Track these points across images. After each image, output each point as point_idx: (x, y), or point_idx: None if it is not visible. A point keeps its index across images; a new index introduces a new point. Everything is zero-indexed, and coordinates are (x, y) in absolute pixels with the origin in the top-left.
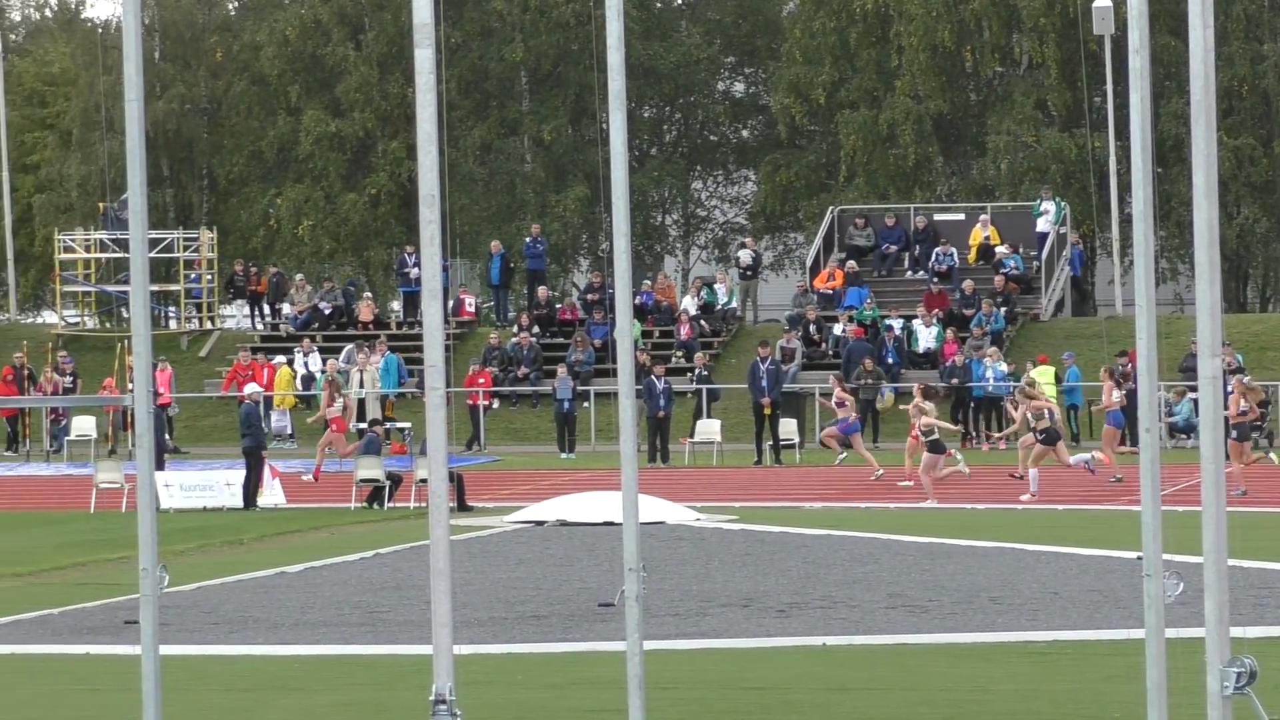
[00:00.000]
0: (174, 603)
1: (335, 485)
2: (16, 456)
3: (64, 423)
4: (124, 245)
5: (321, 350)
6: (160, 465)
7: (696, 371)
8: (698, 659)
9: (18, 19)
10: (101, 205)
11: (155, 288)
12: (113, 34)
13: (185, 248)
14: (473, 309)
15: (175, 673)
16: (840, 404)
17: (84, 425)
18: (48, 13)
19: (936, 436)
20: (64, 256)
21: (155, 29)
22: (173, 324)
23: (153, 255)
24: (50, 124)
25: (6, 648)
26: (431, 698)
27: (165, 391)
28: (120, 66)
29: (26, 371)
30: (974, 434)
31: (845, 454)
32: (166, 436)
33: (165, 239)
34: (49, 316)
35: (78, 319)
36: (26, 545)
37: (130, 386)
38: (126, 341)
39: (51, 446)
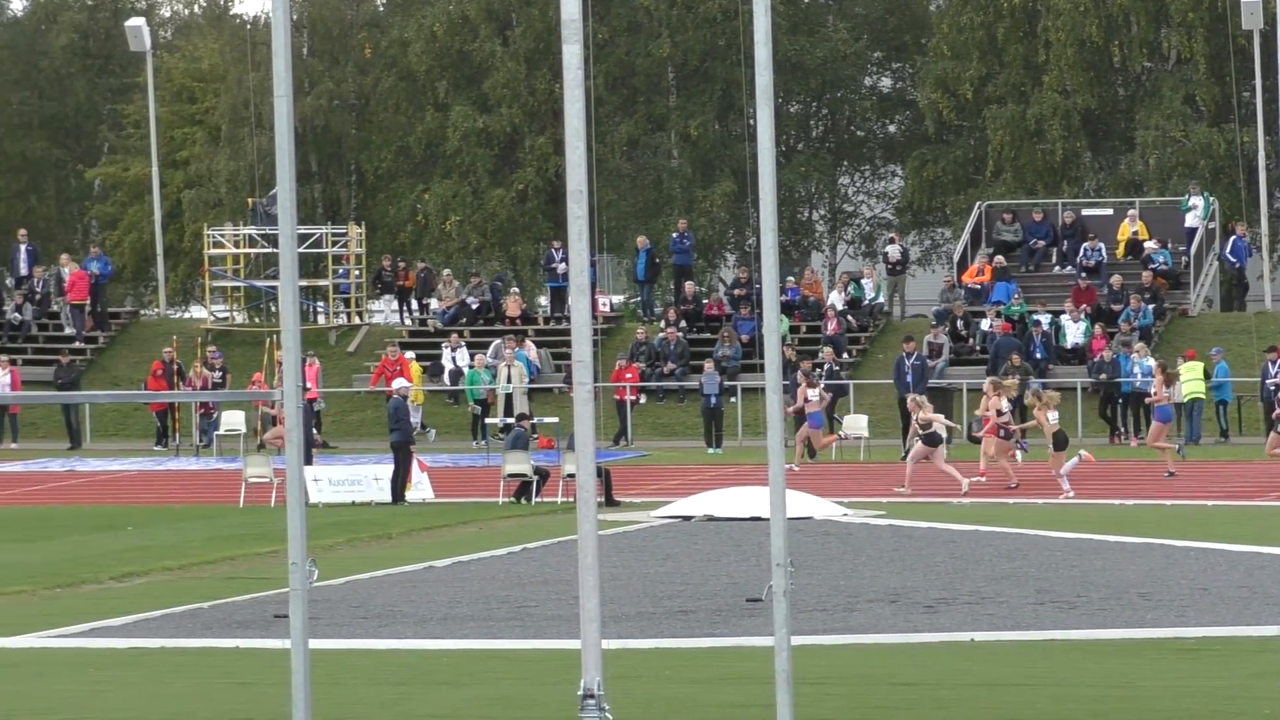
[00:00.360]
0: (323, 597)
1: (483, 480)
2: (166, 451)
3: (213, 417)
4: (273, 240)
5: (469, 345)
6: (309, 460)
7: (826, 367)
8: (845, 654)
9: (168, 15)
10: (250, 200)
11: (304, 283)
12: (261, 30)
13: (333, 243)
14: (607, 308)
15: (324, 666)
16: (806, 399)
17: (233, 420)
18: (197, 9)
19: (935, 430)
20: (213, 252)
21: (304, 25)
22: (321, 319)
23: (301, 250)
24: (200, 120)
25: (157, 641)
26: (580, 692)
27: (313, 386)
28: (269, 62)
29: (176, 366)
30: (1123, 430)
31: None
32: (315, 431)
33: (314, 234)
34: (198, 312)
35: (227, 314)
36: (176, 540)
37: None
38: (275, 336)
39: (201, 441)
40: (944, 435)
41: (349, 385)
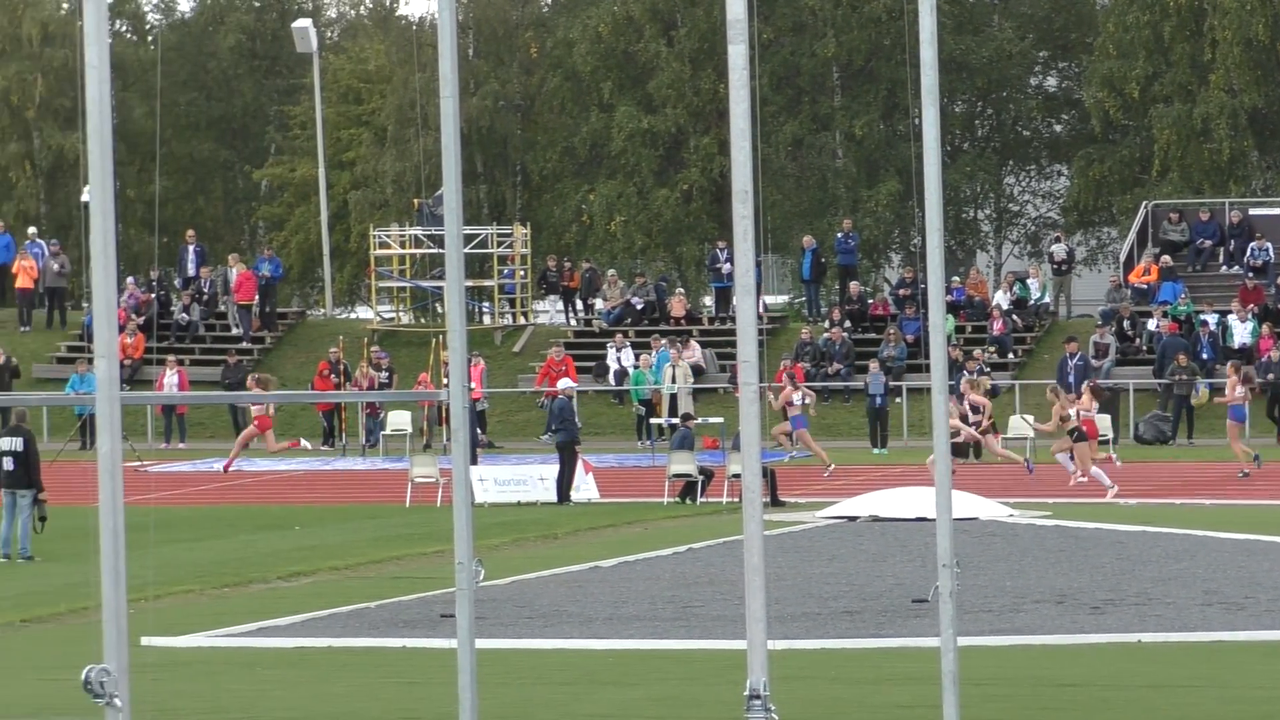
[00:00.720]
0: (489, 596)
1: (648, 480)
2: (333, 451)
3: (379, 417)
4: (438, 241)
5: (634, 345)
6: (474, 460)
7: (978, 368)
8: (1011, 655)
9: (334, 17)
10: (416, 201)
11: (469, 283)
12: (427, 31)
13: (499, 243)
14: (759, 307)
15: (490, 666)
16: (789, 403)
17: (399, 420)
18: (363, 10)
19: (963, 439)
20: (379, 252)
21: (469, 26)
22: (486, 319)
23: (467, 251)
24: (366, 121)
25: (324, 641)
26: (746, 693)
27: (478, 386)
28: (435, 63)
29: (343, 367)
30: None
31: (795, 450)
32: (479, 431)
33: (479, 235)
34: (364, 312)
35: (392, 315)
36: (343, 539)
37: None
38: (441, 337)
39: (367, 441)
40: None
41: (514, 385)
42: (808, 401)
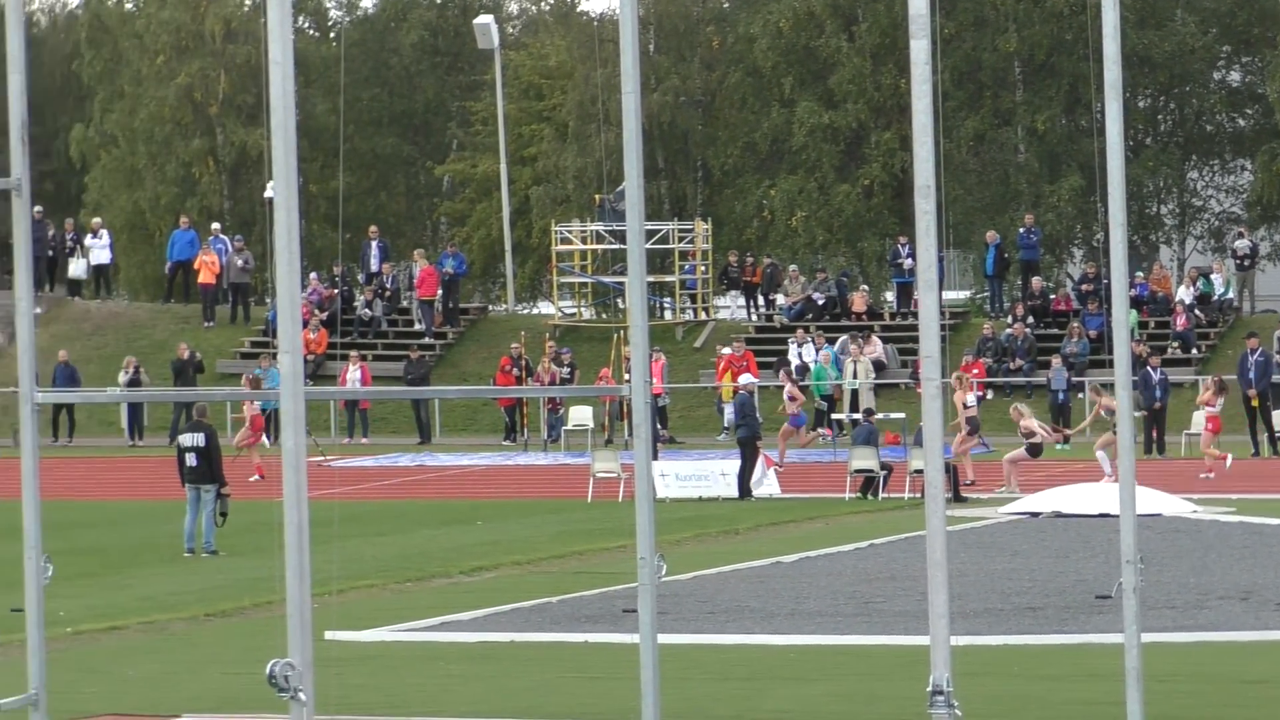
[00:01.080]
0: (671, 591)
1: (830, 475)
2: (515, 446)
3: (561, 412)
4: (620, 236)
5: (815, 342)
6: (655, 455)
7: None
8: (1196, 652)
9: (515, 12)
10: (598, 197)
11: (651, 279)
12: (608, 26)
13: (680, 239)
14: None
15: (672, 661)
16: (792, 398)
17: (581, 415)
18: (544, 6)
19: (1039, 440)
20: (561, 248)
21: (650, 21)
22: (668, 315)
23: (649, 246)
24: (547, 117)
25: (506, 635)
26: (929, 689)
27: (659, 381)
28: (616, 59)
29: (524, 362)
30: None
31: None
32: (660, 427)
33: (660, 230)
34: (546, 308)
35: (574, 310)
36: (525, 534)
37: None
38: (622, 332)
39: (549, 436)
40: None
41: (695, 380)
42: (798, 399)
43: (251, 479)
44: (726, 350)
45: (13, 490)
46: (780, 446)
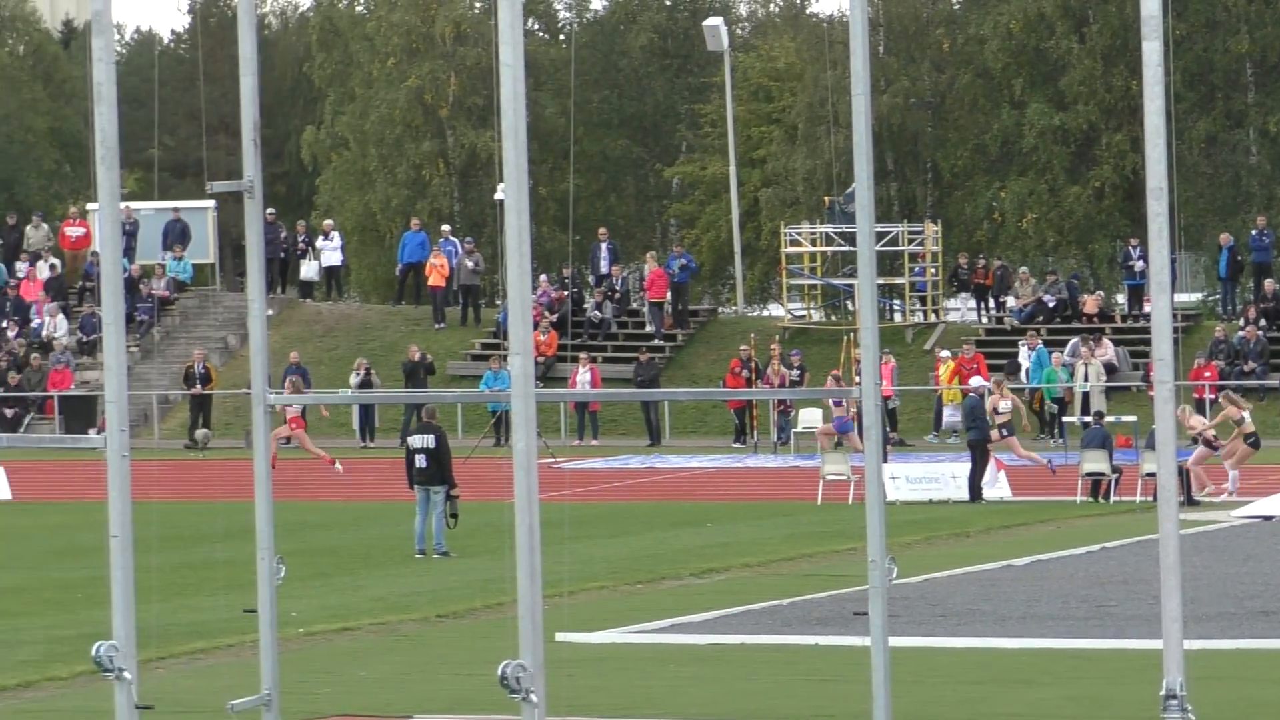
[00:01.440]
0: (901, 594)
1: (1061, 478)
2: (744, 448)
3: (791, 415)
4: (850, 239)
5: (1046, 343)
6: (885, 457)
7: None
8: None
9: (745, 15)
10: (827, 199)
11: (881, 281)
12: (838, 28)
13: (909, 241)
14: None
15: (903, 664)
16: (837, 403)
17: (811, 417)
18: (774, 8)
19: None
20: (790, 250)
21: (880, 23)
22: (897, 317)
23: (878, 248)
24: (777, 119)
25: (737, 638)
26: (1162, 693)
27: (888, 384)
28: (846, 61)
29: (754, 364)
30: None
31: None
32: (890, 429)
33: (890, 232)
34: (775, 310)
35: (804, 312)
36: (755, 536)
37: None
38: (852, 334)
39: (778, 438)
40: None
41: (925, 383)
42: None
43: (336, 467)
44: (945, 353)
45: (246, 491)
46: (821, 443)
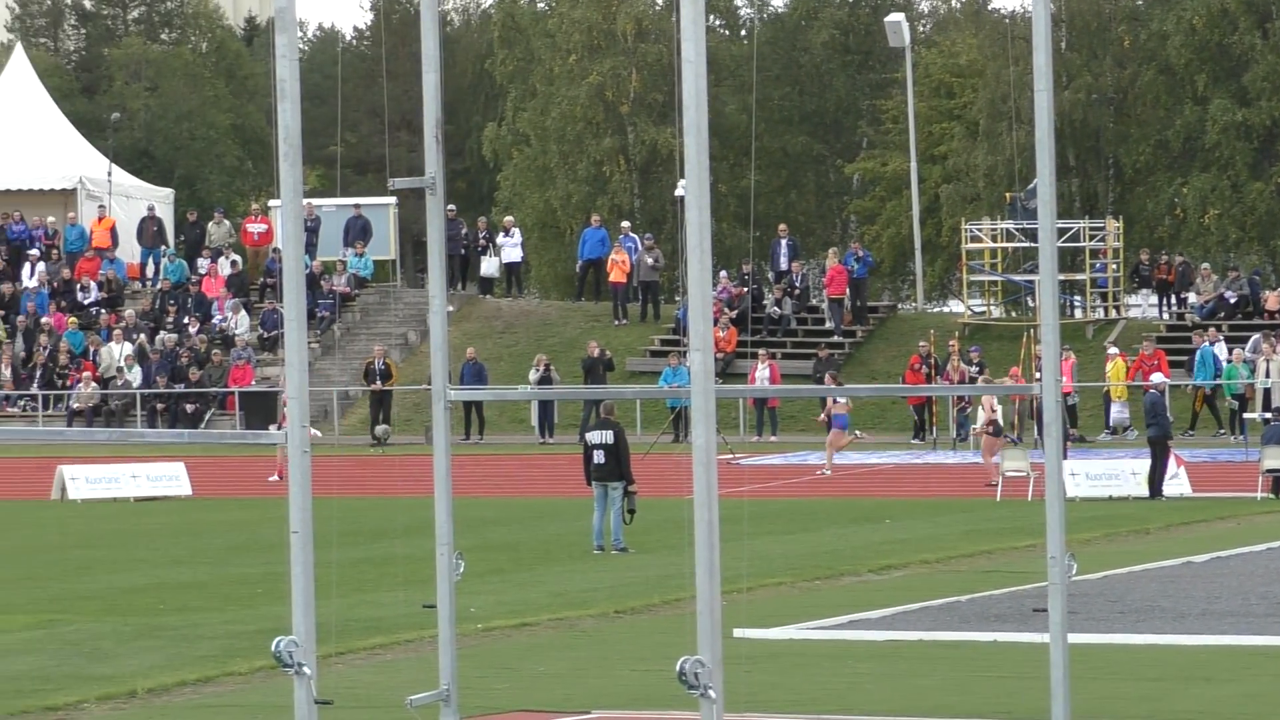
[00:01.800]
0: (1080, 591)
1: (1241, 475)
2: (923, 445)
3: (970, 411)
4: (1031, 235)
5: (1227, 340)
6: (1064, 454)
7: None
8: None
9: (926, 11)
10: (1008, 195)
11: (1062, 277)
12: (1020, 24)
13: (1091, 237)
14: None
15: (1082, 661)
16: (835, 401)
17: None
18: (955, 4)
19: None
20: (971, 246)
21: (1062, 19)
22: (1078, 313)
23: (1060, 245)
24: (958, 115)
25: (915, 634)
26: None
27: (1069, 380)
28: (1028, 57)
29: (933, 360)
30: None
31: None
32: (1070, 425)
33: (1071, 228)
34: (954, 306)
35: (984, 308)
36: (934, 532)
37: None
38: (1033, 331)
39: (958, 435)
40: None
41: (1103, 380)
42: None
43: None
44: (1114, 350)
45: (426, 487)
46: (828, 453)
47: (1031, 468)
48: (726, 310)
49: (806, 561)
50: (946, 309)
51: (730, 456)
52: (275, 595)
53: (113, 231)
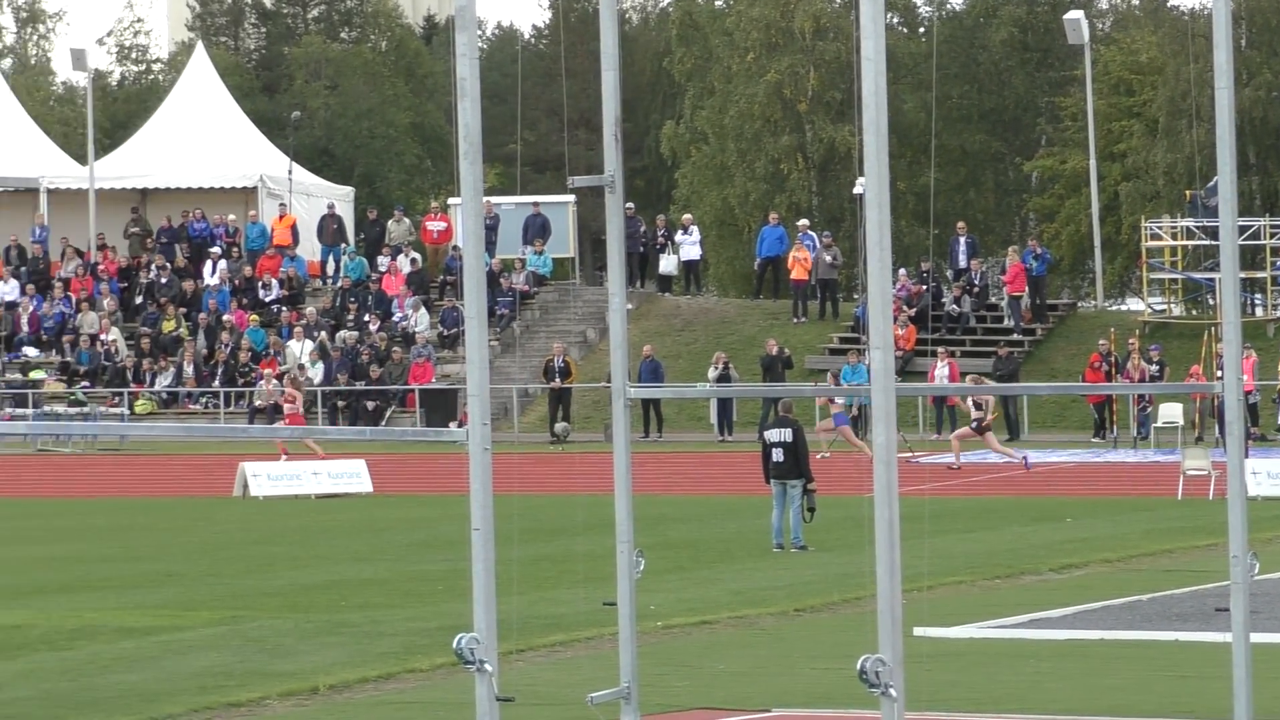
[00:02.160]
0: (1263, 590)
1: None
2: (1104, 443)
3: (1150, 409)
4: (1211, 233)
5: None
6: (1245, 452)
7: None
8: None
9: (1106, 8)
10: (1189, 193)
11: (1243, 275)
12: (1200, 22)
13: (1272, 235)
14: None
15: (1264, 660)
16: (833, 401)
17: (1171, 412)
18: (1135, 1)
19: None
20: (1151, 244)
21: (1242, 17)
22: (1259, 311)
23: (1241, 243)
24: (1137, 113)
25: (1096, 633)
26: None
27: (1249, 379)
28: (1208, 54)
29: (1113, 358)
30: None
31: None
32: (1251, 424)
33: (1251, 226)
34: (1134, 304)
35: (1164, 306)
36: (1115, 531)
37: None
38: (1214, 329)
39: (1138, 433)
40: None
41: None
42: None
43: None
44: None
45: (605, 484)
46: (852, 440)
47: (1213, 466)
48: (905, 308)
49: (987, 560)
50: (1126, 307)
51: (910, 454)
52: (456, 592)
53: (293, 229)
